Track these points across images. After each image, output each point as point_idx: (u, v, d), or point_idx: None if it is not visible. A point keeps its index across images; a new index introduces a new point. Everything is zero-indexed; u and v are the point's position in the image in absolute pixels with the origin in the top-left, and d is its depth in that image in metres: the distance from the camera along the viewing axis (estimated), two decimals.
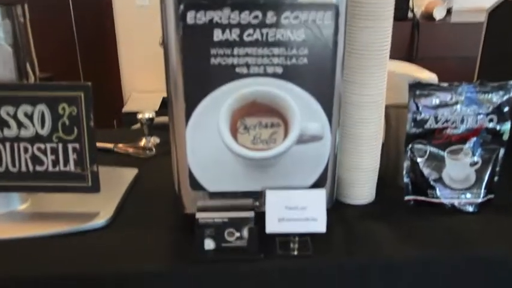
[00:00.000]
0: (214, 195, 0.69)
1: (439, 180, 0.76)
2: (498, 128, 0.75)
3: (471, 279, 0.68)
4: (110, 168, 0.90)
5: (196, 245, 0.66)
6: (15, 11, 0.72)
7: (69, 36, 2.27)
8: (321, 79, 0.63)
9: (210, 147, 0.65)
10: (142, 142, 1.02)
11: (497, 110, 0.74)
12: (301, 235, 0.67)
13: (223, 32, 0.59)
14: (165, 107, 0.71)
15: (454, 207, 0.76)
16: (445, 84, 0.73)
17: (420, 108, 0.74)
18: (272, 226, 0.64)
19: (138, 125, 1.06)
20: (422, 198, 0.77)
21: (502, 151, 0.76)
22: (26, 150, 0.71)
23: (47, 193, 0.74)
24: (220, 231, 0.65)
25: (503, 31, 0.97)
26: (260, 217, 0.65)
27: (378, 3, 0.67)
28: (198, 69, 0.61)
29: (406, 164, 0.77)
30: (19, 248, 0.67)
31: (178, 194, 0.69)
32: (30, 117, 0.70)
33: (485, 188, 0.76)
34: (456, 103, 0.73)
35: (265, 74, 0.62)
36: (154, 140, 1.03)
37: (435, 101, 0.74)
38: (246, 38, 0.60)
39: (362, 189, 0.77)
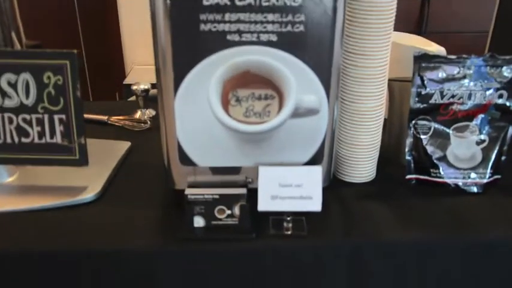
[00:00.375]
0: (205, 170, 0.65)
1: (443, 158, 0.73)
2: (508, 104, 0.71)
3: (474, 263, 0.65)
4: (102, 140, 0.88)
5: (185, 223, 0.63)
6: None
7: (71, 8, 2.22)
8: (318, 48, 0.59)
9: (200, 120, 0.62)
10: (138, 114, 0.99)
11: (508, 85, 0.70)
12: (296, 214, 0.64)
13: None
14: None
15: (458, 187, 0.73)
16: (452, 57, 0.69)
17: (425, 82, 0.70)
18: (265, 204, 0.61)
19: (134, 97, 1.03)
20: (425, 177, 0.74)
21: (511, 129, 0.72)
22: (10, 120, 0.68)
23: (34, 166, 0.71)
24: (210, 209, 0.63)
25: None
26: (253, 194, 0.62)
27: None
28: (187, 37, 0.57)
29: (408, 141, 0.73)
30: (3, 222, 0.65)
31: (167, 168, 0.66)
32: (14, 86, 0.67)
33: (491, 168, 0.73)
34: (464, 77, 0.69)
35: (259, 42, 0.58)
36: (150, 112, 1.00)
37: (441, 74, 0.69)
38: (238, 2, 0.56)
39: (361, 167, 0.74)
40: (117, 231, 0.64)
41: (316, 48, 0.59)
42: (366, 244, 0.63)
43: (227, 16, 0.56)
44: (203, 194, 0.62)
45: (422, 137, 0.73)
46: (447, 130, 0.72)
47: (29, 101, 0.67)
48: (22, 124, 0.68)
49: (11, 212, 0.67)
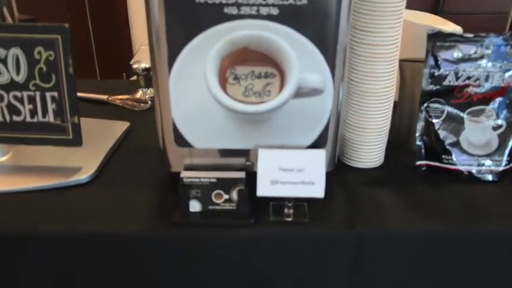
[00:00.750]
0: (201, 152, 0.62)
1: (456, 144, 0.69)
2: None
3: (487, 256, 0.61)
4: (100, 120, 0.85)
5: (181, 207, 0.60)
6: None
7: None
8: (323, 23, 0.55)
9: (196, 99, 0.58)
10: (139, 94, 0.96)
11: None
12: (298, 200, 0.61)
13: None
14: None
15: (472, 175, 0.69)
16: (469, 35, 0.64)
17: (439, 63, 0.65)
18: (264, 189, 0.58)
19: (136, 77, 1.00)
20: (436, 163, 0.70)
21: None
22: (1, 98, 0.66)
23: (27, 145, 0.69)
24: (207, 193, 0.60)
25: None
26: (252, 178, 0.59)
27: None
28: (182, 9, 0.54)
29: (420, 125, 0.69)
30: None
31: (163, 150, 0.63)
32: (3, 61, 0.64)
33: (508, 155, 0.69)
34: (481, 57, 0.65)
35: (259, 16, 0.54)
36: (151, 92, 0.97)
37: (457, 54, 0.65)
38: None
39: (369, 152, 0.70)
40: (111, 215, 0.62)
41: (320, 23, 0.55)
42: (370, 234, 0.60)
43: None
44: (199, 178, 0.59)
45: (434, 121, 0.69)
46: (461, 114, 0.68)
47: (20, 78, 0.65)
48: (13, 102, 0.66)
49: (2, 192, 0.65)
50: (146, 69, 0.94)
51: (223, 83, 0.57)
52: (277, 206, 0.62)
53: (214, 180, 0.59)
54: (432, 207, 0.64)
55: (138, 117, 0.89)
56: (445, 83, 0.67)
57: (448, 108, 0.68)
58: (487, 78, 0.66)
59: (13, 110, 0.66)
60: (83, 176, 0.68)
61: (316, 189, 0.58)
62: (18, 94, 0.65)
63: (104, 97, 0.95)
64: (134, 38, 2.02)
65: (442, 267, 0.62)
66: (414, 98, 0.73)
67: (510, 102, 0.67)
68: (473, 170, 0.69)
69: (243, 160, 0.63)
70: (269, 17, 0.54)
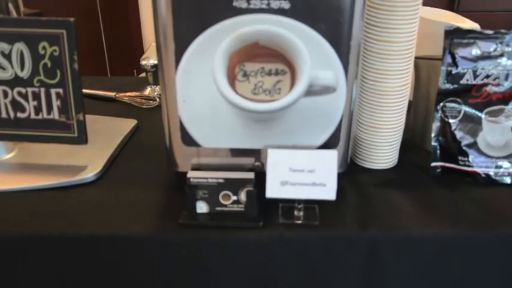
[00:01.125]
0: (209, 152, 0.60)
1: (473, 145, 0.66)
2: None
3: (503, 261, 0.59)
4: (107, 117, 0.84)
5: (187, 208, 0.59)
6: None
7: None
8: (336, 18, 0.53)
9: (204, 97, 0.56)
10: (147, 91, 0.95)
11: None
12: (308, 202, 0.59)
13: None
14: None
15: (489, 177, 0.67)
16: (489, 32, 0.62)
17: (457, 60, 0.63)
18: (273, 190, 0.56)
19: (144, 73, 0.98)
20: (452, 165, 0.68)
21: None
22: (5, 94, 0.65)
23: (32, 143, 0.67)
24: (214, 194, 0.58)
25: None
26: (261, 179, 0.57)
27: None
28: (189, 3, 0.52)
29: (435, 125, 0.67)
30: None
31: (169, 150, 0.61)
32: (7, 56, 0.63)
33: None
34: (501, 55, 0.62)
35: (269, 10, 0.52)
36: (160, 89, 0.95)
37: (476, 51, 0.62)
38: None
39: (382, 152, 0.68)
40: (116, 215, 0.60)
41: (333, 18, 0.52)
42: (383, 237, 0.58)
43: None
44: (207, 178, 0.57)
45: (450, 121, 0.66)
46: (479, 114, 0.66)
47: (24, 73, 0.63)
48: (17, 98, 0.64)
49: (7, 191, 0.64)
50: (155, 66, 0.93)
51: (231, 80, 0.55)
52: (287, 208, 0.60)
53: (222, 180, 0.58)
54: (447, 210, 0.61)
55: (146, 114, 0.88)
56: (463, 81, 0.64)
57: (465, 108, 0.66)
58: (507, 77, 0.63)
59: (17, 106, 0.65)
60: (89, 175, 0.67)
61: (328, 191, 0.56)
62: (23, 90, 0.64)
63: (112, 94, 0.94)
64: (145, 34, 2.01)
65: (457, 271, 0.60)
66: (430, 97, 0.70)
67: None
68: (491, 172, 0.67)
69: (252, 160, 0.61)
70: (280, 11, 0.52)
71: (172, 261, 0.58)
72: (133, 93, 0.94)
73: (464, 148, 0.67)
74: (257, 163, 0.61)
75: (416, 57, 0.69)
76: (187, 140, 0.59)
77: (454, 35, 0.63)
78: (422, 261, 0.58)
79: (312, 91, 0.56)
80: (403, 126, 0.68)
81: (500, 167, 0.67)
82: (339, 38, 0.54)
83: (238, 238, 0.58)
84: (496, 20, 1.95)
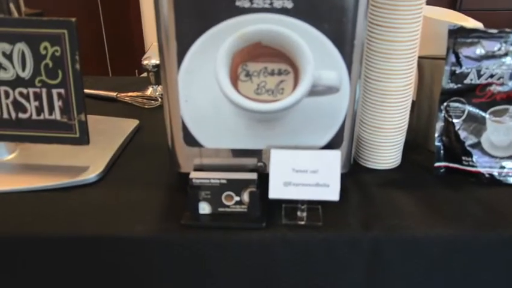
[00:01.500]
0: (212, 152, 0.60)
1: (477, 145, 0.66)
2: None
3: (508, 262, 0.58)
4: (109, 118, 0.84)
5: (190, 209, 0.58)
6: None
7: None
8: (340, 18, 0.52)
9: (206, 97, 0.56)
10: (149, 91, 0.94)
11: None
12: (311, 203, 0.59)
13: None
14: None
15: (493, 177, 0.66)
16: (493, 31, 0.61)
17: (461, 60, 0.63)
18: (276, 191, 0.56)
19: (146, 73, 0.98)
20: (456, 165, 0.67)
21: None
22: (6, 94, 0.64)
23: (34, 143, 0.67)
24: (217, 194, 0.58)
25: None
26: (264, 180, 0.57)
27: None
28: (192, 2, 0.52)
29: (439, 125, 0.67)
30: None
31: (171, 150, 0.61)
32: (9, 57, 0.62)
33: None
34: (506, 54, 0.62)
35: (272, 9, 0.52)
36: (162, 89, 0.95)
37: (480, 51, 0.62)
38: None
39: (386, 152, 0.67)
40: (119, 216, 0.60)
41: (337, 17, 0.52)
42: (387, 237, 0.57)
43: None
44: (209, 179, 0.57)
45: (454, 121, 0.66)
46: (483, 114, 0.65)
47: (26, 74, 0.63)
48: (19, 98, 0.64)
49: (8, 192, 0.64)
50: (156, 66, 0.92)
51: (234, 80, 0.55)
52: (290, 208, 0.60)
53: (224, 181, 0.57)
54: (451, 210, 0.61)
55: (147, 114, 0.88)
56: (467, 81, 0.64)
57: (469, 108, 0.65)
58: (511, 77, 0.63)
59: (19, 107, 0.65)
60: (90, 176, 0.66)
61: (331, 192, 0.56)
62: (24, 91, 0.64)
63: (113, 94, 0.93)
64: (146, 34, 2.01)
65: (460, 271, 0.59)
66: (433, 97, 0.70)
67: None
68: (495, 172, 0.66)
69: (255, 161, 0.60)
70: (283, 11, 0.52)
71: (174, 262, 0.58)
72: (135, 93, 0.93)
73: (468, 148, 0.66)
74: (260, 163, 0.61)
75: (419, 57, 0.68)
76: (190, 140, 0.59)
77: (457, 34, 0.62)
78: (425, 262, 0.58)
79: (315, 91, 0.55)
80: (406, 126, 0.68)
81: (504, 167, 0.66)
82: (342, 38, 0.53)
83: (241, 239, 0.57)
84: (499, 18, 1.95)
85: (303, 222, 0.58)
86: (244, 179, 0.58)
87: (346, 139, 0.60)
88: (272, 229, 0.57)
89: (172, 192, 0.64)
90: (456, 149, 0.67)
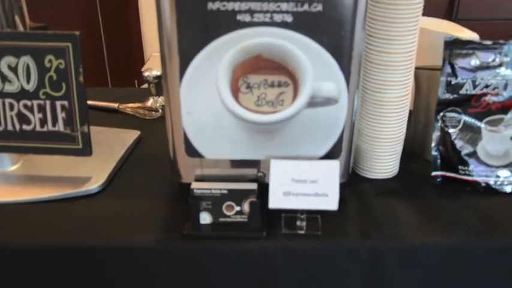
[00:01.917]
0: (213, 163, 0.61)
1: (473, 154, 0.67)
2: None
3: (504, 271, 0.59)
4: (110, 129, 0.85)
5: (191, 219, 0.59)
6: None
7: None
8: (338, 31, 0.53)
9: (208, 109, 0.57)
10: (149, 102, 0.96)
11: None
12: (310, 212, 0.60)
13: None
14: None
15: (489, 186, 0.67)
16: (488, 42, 0.63)
17: (456, 71, 0.64)
18: (276, 201, 0.57)
19: (147, 85, 0.99)
20: (453, 174, 0.68)
21: None
22: (11, 107, 0.65)
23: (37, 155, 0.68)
24: (218, 204, 0.59)
25: None
26: (264, 190, 0.58)
27: None
28: (193, 16, 0.53)
29: (435, 135, 0.68)
30: (3, 213, 0.63)
31: (173, 161, 0.62)
32: (14, 69, 0.63)
33: None
34: (500, 65, 0.63)
35: (272, 23, 0.53)
36: (162, 100, 0.96)
37: (475, 62, 0.63)
38: None
39: (383, 162, 0.68)
40: (120, 226, 0.61)
41: (335, 31, 0.53)
42: (386, 247, 0.58)
43: None
44: (210, 189, 0.58)
45: (450, 130, 0.67)
46: (479, 124, 0.66)
47: (30, 86, 0.64)
48: (23, 110, 0.65)
49: (11, 203, 0.64)
50: (157, 77, 0.93)
51: (235, 92, 0.56)
52: (290, 218, 0.61)
53: (225, 191, 0.58)
54: (448, 219, 0.62)
55: (148, 125, 0.89)
56: (462, 91, 0.65)
57: (464, 118, 0.67)
58: (505, 87, 0.64)
59: (23, 119, 0.65)
60: (93, 186, 0.67)
61: (330, 201, 0.57)
62: (28, 103, 0.65)
63: (115, 105, 0.94)
64: (146, 45, 2.02)
65: (458, 279, 0.60)
66: (430, 107, 0.71)
67: None
68: (491, 181, 0.67)
69: (255, 171, 0.61)
70: (283, 25, 0.53)
71: (176, 271, 0.59)
72: (136, 105, 0.95)
73: (464, 157, 0.67)
74: (260, 173, 0.62)
75: (416, 68, 0.70)
76: (191, 151, 0.60)
77: (453, 46, 0.64)
78: (424, 270, 0.58)
79: (314, 102, 0.56)
80: (403, 136, 0.69)
81: (500, 176, 0.67)
82: (340, 50, 0.55)
83: (242, 248, 0.58)
84: (494, 28, 1.97)
85: (302, 232, 0.59)
86: (244, 189, 0.58)
87: (344, 149, 0.61)
88: (272, 238, 0.58)
89: (173, 202, 0.65)
90: (452, 158, 0.68)
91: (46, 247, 0.58)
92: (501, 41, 0.63)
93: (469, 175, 0.68)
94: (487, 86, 0.64)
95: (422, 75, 0.71)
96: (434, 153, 0.68)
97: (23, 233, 0.59)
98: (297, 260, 0.58)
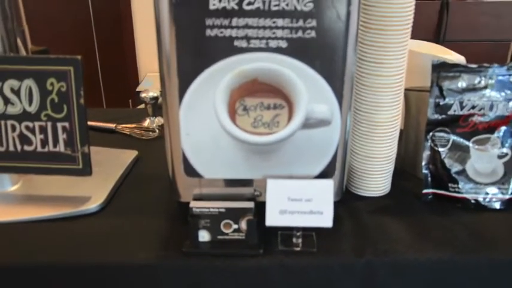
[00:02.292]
0: (211, 182, 0.63)
1: (462, 172, 0.69)
2: None
3: (495, 284, 0.60)
4: (109, 149, 0.86)
5: (190, 237, 0.61)
6: None
7: (85, 16, 2.23)
8: (330, 55, 0.56)
9: (206, 130, 0.59)
10: (146, 123, 0.97)
11: None
12: (306, 229, 0.61)
13: (220, 0, 0.53)
14: None
15: (478, 203, 0.69)
16: (473, 66, 0.65)
17: (444, 92, 0.66)
18: (273, 219, 0.58)
19: (143, 105, 1.01)
20: (443, 192, 0.70)
21: None
22: (13, 128, 0.67)
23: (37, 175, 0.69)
24: (216, 222, 0.60)
25: None
26: (261, 208, 0.59)
27: None
28: (192, 42, 0.55)
29: (425, 153, 0.70)
30: (4, 232, 0.64)
31: (172, 180, 0.64)
32: (17, 92, 0.65)
33: None
34: (485, 87, 0.66)
35: (268, 49, 0.55)
36: (159, 120, 0.98)
37: (461, 84, 0.66)
38: (246, 7, 0.53)
39: (376, 180, 0.70)
40: (120, 244, 0.62)
41: (328, 56, 0.56)
42: (379, 262, 0.59)
43: (234, 21, 0.54)
44: (209, 208, 0.60)
45: (440, 149, 0.69)
46: (467, 143, 0.69)
47: (32, 108, 0.66)
48: (25, 132, 0.67)
49: (12, 222, 0.65)
50: (154, 98, 0.96)
51: (232, 114, 0.58)
52: (286, 235, 0.62)
53: (223, 210, 0.60)
54: (440, 235, 0.63)
55: (145, 145, 0.90)
56: (450, 112, 0.68)
57: (453, 137, 0.69)
58: (491, 108, 0.67)
59: (24, 140, 0.67)
60: (93, 206, 0.68)
61: (325, 219, 0.58)
62: (30, 124, 0.66)
63: (112, 126, 0.96)
64: (140, 65, 2.05)
65: None
66: (419, 127, 0.74)
67: None
68: (480, 198, 0.69)
69: (251, 190, 0.63)
70: (278, 50, 0.55)
71: None
72: (133, 125, 0.96)
73: (453, 175, 0.70)
74: (256, 193, 0.63)
75: (406, 89, 0.72)
76: (190, 171, 0.62)
77: (440, 69, 0.66)
78: (417, 284, 0.60)
79: (308, 124, 0.59)
80: (395, 155, 0.71)
81: (489, 193, 0.69)
82: (333, 74, 0.57)
83: (240, 265, 0.59)
84: (478, 49, 2.02)
85: (298, 249, 0.61)
86: (241, 207, 0.60)
87: (338, 169, 0.63)
88: (269, 255, 0.60)
89: (172, 221, 0.66)
90: (443, 176, 0.70)
91: (48, 265, 0.59)
92: (486, 64, 0.65)
93: (458, 192, 0.70)
94: (473, 107, 0.67)
95: (411, 96, 0.74)
96: (425, 171, 0.70)
97: (23, 251, 0.60)
98: (294, 276, 0.59)
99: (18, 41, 0.71)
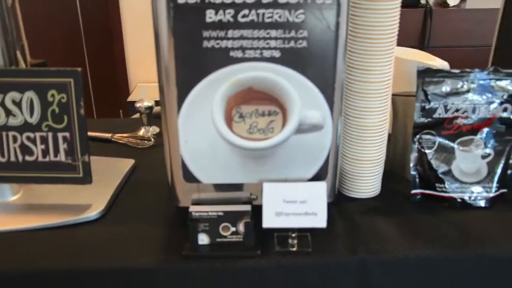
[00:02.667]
0: (209, 187, 0.65)
1: (449, 173, 0.72)
2: None
3: (481, 279, 0.64)
4: (106, 158, 0.88)
5: (190, 240, 0.63)
6: None
7: (75, 27, 2.24)
8: (321, 64, 0.59)
9: (204, 137, 0.61)
10: (141, 132, 0.99)
11: None
12: (301, 230, 0.64)
13: (216, 13, 0.56)
14: None
15: (464, 201, 0.72)
16: (456, 71, 0.69)
17: (429, 97, 0.69)
18: (269, 221, 0.61)
19: (138, 115, 1.03)
20: (430, 192, 0.73)
21: None
22: (14, 139, 0.68)
23: (38, 184, 0.71)
24: (214, 226, 0.62)
25: None
26: (257, 211, 0.62)
27: None
28: (190, 53, 0.58)
29: (413, 155, 0.73)
30: (6, 241, 0.65)
31: (171, 186, 0.66)
32: (18, 104, 0.67)
33: (497, 182, 0.72)
34: (468, 91, 0.69)
35: (262, 59, 0.58)
36: (154, 129, 1.00)
37: (445, 88, 0.69)
38: (240, 19, 0.56)
39: (366, 182, 0.73)
40: (121, 249, 0.63)
41: (319, 64, 0.59)
42: (372, 260, 0.62)
43: (230, 33, 0.57)
44: (207, 211, 0.62)
45: (427, 151, 0.72)
46: (452, 144, 0.72)
47: (33, 119, 0.67)
48: (26, 142, 0.68)
49: (14, 231, 0.67)
50: (149, 108, 0.98)
51: (229, 121, 0.60)
52: (282, 236, 0.65)
53: (221, 213, 0.62)
54: (428, 233, 0.66)
55: (141, 154, 0.92)
56: (435, 115, 0.71)
57: (439, 139, 0.72)
58: (474, 110, 0.70)
59: (26, 150, 0.69)
60: (93, 213, 0.70)
61: (319, 220, 0.61)
62: (31, 135, 0.68)
63: (108, 135, 0.98)
64: (130, 76, 2.07)
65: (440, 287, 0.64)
66: (407, 130, 0.76)
67: (496, 132, 0.71)
68: (466, 196, 0.72)
69: (248, 193, 0.66)
70: (272, 59, 0.58)
71: None
72: (128, 134, 0.98)
73: (440, 176, 0.73)
74: (253, 196, 0.66)
75: (393, 94, 0.75)
76: (189, 177, 0.64)
77: (425, 74, 0.70)
78: (408, 280, 0.62)
79: (301, 129, 0.61)
80: (384, 158, 0.74)
81: (474, 191, 0.72)
82: (324, 81, 0.60)
83: (238, 266, 0.61)
84: (460, 54, 2.07)
85: (294, 249, 0.63)
86: (239, 210, 0.62)
87: (330, 171, 0.65)
88: (266, 256, 0.62)
89: (171, 225, 0.68)
90: (430, 177, 0.73)
91: (49, 271, 0.61)
92: (468, 70, 0.69)
93: (445, 192, 0.73)
94: (457, 110, 0.70)
95: (398, 101, 0.77)
96: (413, 172, 0.73)
97: (25, 258, 0.62)
98: (290, 275, 0.62)
99: (18, 54, 0.73)
